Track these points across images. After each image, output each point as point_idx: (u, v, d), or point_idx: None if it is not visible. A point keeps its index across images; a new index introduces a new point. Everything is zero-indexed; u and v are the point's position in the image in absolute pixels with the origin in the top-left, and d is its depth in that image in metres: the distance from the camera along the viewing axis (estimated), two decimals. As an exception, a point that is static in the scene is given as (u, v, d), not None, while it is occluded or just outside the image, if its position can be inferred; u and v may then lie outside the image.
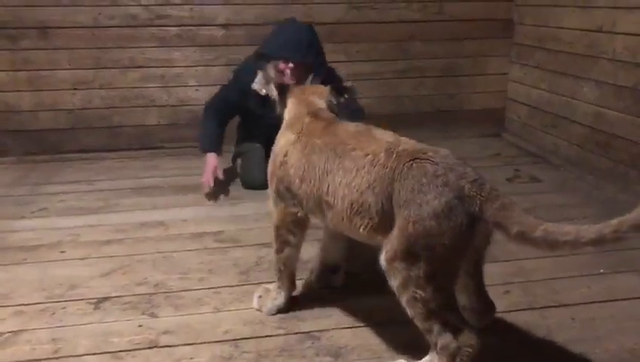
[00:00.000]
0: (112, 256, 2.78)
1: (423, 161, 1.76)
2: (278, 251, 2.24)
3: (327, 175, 1.96)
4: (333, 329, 2.17)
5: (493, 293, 2.07)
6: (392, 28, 4.64)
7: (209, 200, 3.51)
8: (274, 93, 2.36)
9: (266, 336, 2.14)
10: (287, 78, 3.08)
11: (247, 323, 2.22)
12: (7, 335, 2.15)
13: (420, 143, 1.88)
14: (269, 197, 2.26)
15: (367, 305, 2.32)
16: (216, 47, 4.41)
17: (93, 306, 2.35)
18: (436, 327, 1.76)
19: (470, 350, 1.74)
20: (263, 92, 2.49)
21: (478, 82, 4.94)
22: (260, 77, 2.64)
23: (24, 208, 3.39)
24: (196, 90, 4.48)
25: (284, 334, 2.15)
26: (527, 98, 4.69)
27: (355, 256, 2.58)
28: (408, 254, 1.72)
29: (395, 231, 1.76)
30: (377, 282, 2.39)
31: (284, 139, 2.17)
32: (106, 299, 2.40)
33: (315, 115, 2.18)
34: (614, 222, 1.55)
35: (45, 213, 3.32)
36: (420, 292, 1.73)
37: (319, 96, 2.30)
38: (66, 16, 4.16)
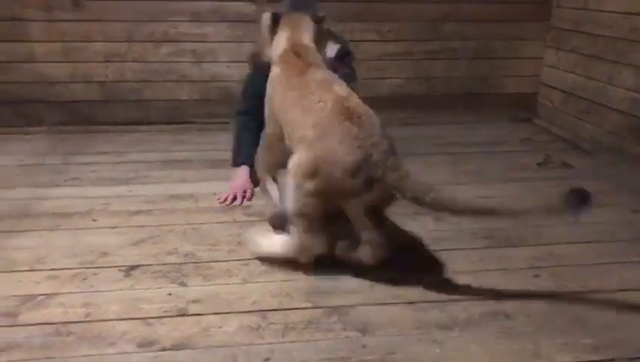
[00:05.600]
0: (142, 226, 2.82)
1: (352, 122, 2.12)
2: (272, 166, 2.74)
3: (292, 109, 2.33)
4: (360, 304, 2.18)
5: (522, 277, 2.05)
6: (425, 7, 4.56)
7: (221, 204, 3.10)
8: (267, 22, 2.60)
9: (294, 309, 2.16)
10: None
11: (274, 295, 2.24)
12: (41, 297, 2.21)
13: (366, 107, 2.22)
14: None
15: (395, 282, 2.32)
16: (248, 23, 4.39)
17: (123, 273, 2.39)
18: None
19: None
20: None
21: (512, 66, 4.84)
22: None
23: (57, 177, 3.45)
24: (227, 66, 4.48)
25: (312, 307, 2.17)
26: (560, 83, 4.59)
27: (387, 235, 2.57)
28: (309, 171, 2.12)
29: (312, 155, 2.13)
30: (407, 261, 2.40)
31: (272, 73, 2.55)
32: (136, 266, 2.44)
33: (298, 53, 2.48)
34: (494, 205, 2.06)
35: (78, 182, 3.38)
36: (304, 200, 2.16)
37: (305, 29, 2.60)
38: (101, -12, 4.18)
